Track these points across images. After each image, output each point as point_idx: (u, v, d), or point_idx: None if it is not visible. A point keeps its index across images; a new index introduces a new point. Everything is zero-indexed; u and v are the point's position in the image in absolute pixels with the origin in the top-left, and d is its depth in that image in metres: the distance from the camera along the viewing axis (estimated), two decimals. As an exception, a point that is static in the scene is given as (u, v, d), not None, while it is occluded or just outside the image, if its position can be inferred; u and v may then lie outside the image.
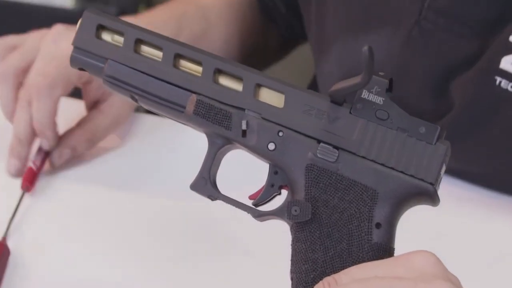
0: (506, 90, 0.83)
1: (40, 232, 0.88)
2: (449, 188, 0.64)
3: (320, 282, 0.59)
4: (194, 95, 0.67)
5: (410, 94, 0.90)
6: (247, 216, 0.67)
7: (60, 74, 0.91)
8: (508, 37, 0.82)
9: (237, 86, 0.67)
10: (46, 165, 0.94)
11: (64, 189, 0.93)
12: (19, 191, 0.90)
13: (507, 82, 0.83)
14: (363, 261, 0.62)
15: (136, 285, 0.83)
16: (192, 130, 0.69)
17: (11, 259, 0.84)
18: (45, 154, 0.94)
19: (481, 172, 0.93)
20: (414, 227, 0.65)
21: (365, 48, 0.60)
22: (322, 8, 0.98)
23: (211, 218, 0.89)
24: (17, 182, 0.91)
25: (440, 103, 0.90)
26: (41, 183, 0.93)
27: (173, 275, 0.84)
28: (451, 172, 0.90)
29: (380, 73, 0.63)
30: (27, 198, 0.91)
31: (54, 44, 0.92)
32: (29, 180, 0.91)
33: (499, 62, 0.83)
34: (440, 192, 0.63)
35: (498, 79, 0.84)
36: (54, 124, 0.93)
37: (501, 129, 0.88)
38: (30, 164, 0.93)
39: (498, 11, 0.84)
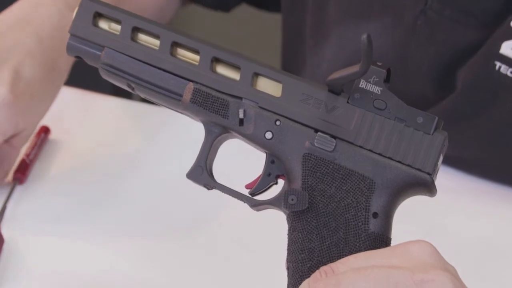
0: (506, 75, 0.84)
1: (34, 222, 0.87)
2: (445, 178, 0.63)
3: (317, 271, 0.59)
4: (191, 83, 0.66)
5: (415, 83, 0.90)
6: (243, 209, 0.67)
7: None
8: (510, 22, 0.82)
9: (234, 75, 0.66)
10: (39, 157, 0.94)
11: (57, 179, 0.93)
12: (11, 183, 0.90)
13: (507, 67, 0.83)
14: (360, 250, 0.62)
15: (129, 273, 0.83)
16: (188, 119, 0.69)
17: (5, 247, 0.83)
18: (38, 147, 0.94)
19: (477, 158, 0.93)
20: (410, 218, 0.65)
21: (364, 36, 0.59)
22: None
23: (206, 211, 0.89)
24: (10, 174, 0.91)
25: (445, 90, 0.90)
26: (34, 174, 0.92)
27: (167, 266, 0.84)
28: (447, 159, 0.90)
29: (378, 63, 0.63)
30: (21, 188, 0.90)
31: None
32: (21, 171, 0.91)
33: (499, 47, 0.83)
34: (436, 182, 0.63)
35: (498, 64, 0.84)
36: None
37: (500, 114, 0.88)
38: (23, 156, 0.92)
39: (503, 1, 0.83)
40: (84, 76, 1.49)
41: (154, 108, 1.03)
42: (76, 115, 1.01)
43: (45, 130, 0.96)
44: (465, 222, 0.89)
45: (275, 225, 0.70)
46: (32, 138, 0.94)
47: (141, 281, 0.82)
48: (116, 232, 0.87)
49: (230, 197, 0.66)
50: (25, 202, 0.89)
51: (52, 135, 0.97)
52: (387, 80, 0.64)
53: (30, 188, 0.91)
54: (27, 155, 0.93)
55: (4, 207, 0.87)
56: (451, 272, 0.58)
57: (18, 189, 0.90)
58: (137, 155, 0.96)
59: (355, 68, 0.61)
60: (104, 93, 1.06)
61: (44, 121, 0.97)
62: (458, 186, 0.93)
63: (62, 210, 0.89)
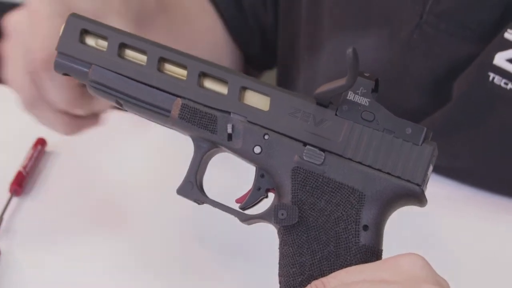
0: (499, 86, 0.83)
1: (30, 234, 0.88)
2: (438, 188, 0.64)
3: (308, 286, 0.59)
4: (179, 99, 0.67)
5: (410, 95, 0.90)
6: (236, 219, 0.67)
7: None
8: (504, 34, 0.82)
9: (222, 89, 0.66)
10: (37, 169, 0.94)
11: (54, 191, 0.93)
12: (8, 194, 0.91)
13: (500, 78, 0.83)
14: (351, 263, 0.62)
15: (127, 285, 0.83)
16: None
17: (2, 259, 0.84)
18: (35, 159, 0.94)
19: (471, 168, 0.93)
20: (402, 228, 0.65)
21: (349, 50, 0.60)
22: (317, 9, 0.97)
23: (202, 219, 0.89)
24: (6, 185, 0.91)
25: (440, 102, 0.90)
26: (31, 186, 0.93)
27: (166, 276, 0.84)
28: (440, 169, 0.90)
29: (366, 74, 0.63)
30: (18, 200, 0.91)
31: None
32: (18, 183, 0.91)
33: (493, 58, 0.83)
34: (428, 192, 0.63)
35: (492, 75, 0.83)
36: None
37: (494, 124, 0.87)
38: (20, 168, 0.93)
39: (499, 13, 0.83)
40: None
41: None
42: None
43: (42, 142, 0.97)
44: (456, 232, 0.89)
45: (272, 235, 0.70)
46: (28, 150, 0.95)
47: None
48: (113, 244, 0.87)
49: (228, 198, 0.66)
50: (21, 214, 0.90)
51: (49, 147, 0.97)
52: (375, 89, 0.64)
53: (27, 200, 0.91)
54: (24, 167, 0.93)
55: (1, 219, 0.88)
56: (443, 286, 0.58)
57: (15, 201, 0.91)
58: (135, 166, 0.97)
59: (341, 82, 0.62)
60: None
61: (41, 133, 0.98)
62: (450, 195, 0.93)
63: (59, 222, 0.89)
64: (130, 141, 1.00)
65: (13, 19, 0.80)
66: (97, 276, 0.84)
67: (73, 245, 0.87)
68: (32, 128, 0.99)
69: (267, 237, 0.71)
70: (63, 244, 0.87)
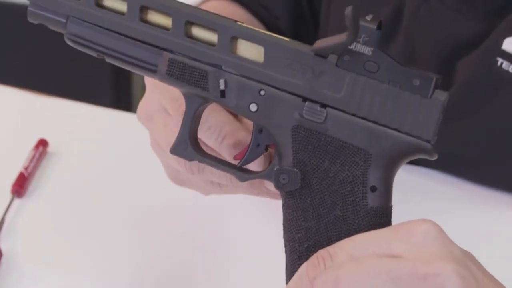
0: (507, 71, 0.81)
1: (33, 235, 0.87)
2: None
3: (314, 256, 0.56)
4: (166, 52, 0.62)
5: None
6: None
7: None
8: None
9: (212, 37, 0.61)
10: (38, 170, 0.94)
11: (55, 192, 0.92)
12: (9, 196, 0.90)
13: (509, 63, 0.81)
14: (359, 227, 0.58)
15: (130, 285, 0.83)
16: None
17: (4, 261, 0.83)
18: (37, 160, 0.94)
19: (476, 157, 0.90)
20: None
21: (348, 9, 0.55)
22: None
23: (207, 219, 0.88)
24: (8, 187, 0.91)
25: (444, 83, 0.89)
26: (33, 187, 0.92)
27: (169, 277, 0.83)
28: (444, 158, 0.89)
29: (367, 18, 0.58)
30: (20, 201, 0.90)
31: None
32: (20, 184, 0.91)
33: (501, 43, 0.80)
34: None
35: (500, 60, 0.81)
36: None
37: (500, 110, 0.85)
38: (22, 169, 0.92)
39: None
40: (83, 89, 1.50)
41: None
42: (75, 128, 1.00)
43: (43, 143, 0.96)
44: (461, 228, 0.89)
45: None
46: (30, 151, 0.95)
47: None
48: (116, 244, 0.87)
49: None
50: (23, 215, 0.89)
51: (50, 148, 0.97)
52: (378, 27, 0.58)
53: (28, 201, 0.91)
54: (26, 168, 0.92)
55: (3, 220, 0.87)
56: (458, 262, 0.54)
57: (17, 202, 0.90)
58: (137, 167, 0.96)
59: (342, 38, 0.57)
60: (103, 106, 1.05)
61: (42, 134, 0.97)
62: (454, 191, 0.92)
63: (61, 223, 0.89)
64: (133, 142, 0.99)
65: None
66: (99, 277, 0.83)
67: (75, 246, 0.86)
68: (34, 129, 0.99)
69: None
70: (65, 245, 0.86)
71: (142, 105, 0.76)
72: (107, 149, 0.98)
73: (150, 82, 0.73)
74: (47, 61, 1.53)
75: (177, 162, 0.71)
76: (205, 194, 0.77)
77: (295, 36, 1.01)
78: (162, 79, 0.62)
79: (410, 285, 0.52)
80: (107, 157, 0.97)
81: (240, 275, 0.83)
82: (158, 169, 0.80)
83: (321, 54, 0.59)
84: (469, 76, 0.84)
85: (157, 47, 0.62)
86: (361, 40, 0.58)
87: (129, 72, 1.13)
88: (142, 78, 0.72)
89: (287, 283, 0.60)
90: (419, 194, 0.83)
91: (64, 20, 0.63)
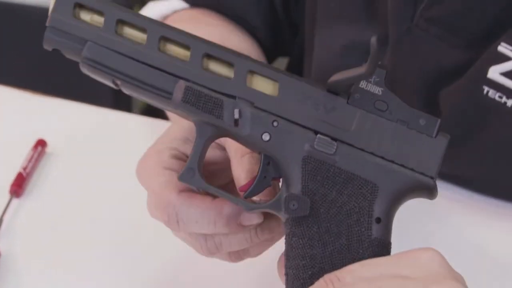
0: (494, 99, 0.82)
1: (31, 235, 0.87)
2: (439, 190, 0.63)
3: (321, 279, 0.57)
4: (182, 81, 0.63)
5: (401, 98, 0.89)
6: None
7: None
8: (497, 47, 0.81)
9: (228, 72, 0.63)
10: (37, 170, 0.94)
11: (54, 192, 0.92)
12: (8, 196, 0.90)
13: (495, 91, 0.82)
14: (363, 257, 0.59)
15: (127, 286, 0.83)
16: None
17: (2, 261, 0.83)
18: (35, 160, 0.94)
19: (470, 177, 0.92)
20: (406, 228, 0.64)
21: (373, 38, 0.57)
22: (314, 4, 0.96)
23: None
24: (6, 187, 0.91)
25: (429, 112, 0.89)
26: (31, 187, 0.92)
27: (166, 274, 0.84)
28: (440, 176, 0.89)
29: (379, 63, 0.61)
30: (18, 202, 0.90)
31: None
32: (18, 184, 0.91)
33: (486, 71, 0.81)
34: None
35: (486, 88, 0.82)
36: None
37: (490, 138, 0.86)
38: (20, 169, 0.92)
39: (491, 24, 0.82)
40: (82, 89, 1.49)
41: (153, 122, 1.03)
42: (73, 128, 1.00)
43: (42, 144, 0.96)
44: (458, 234, 0.89)
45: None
46: (29, 151, 0.95)
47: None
48: (114, 243, 0.87)
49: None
50: (21, 215, 0.89)
51: (49, 149, 0.97)
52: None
53: (27, 201, 0.91)
54: (24, 168, 0.93)
55: (1, 220, 0.87)
56: (462, 283, 0.56)
57: (15, 202, 0.90)
58: (135, 167, 0.96)
59: (360, 70, 0.59)
60: (102, 106, 1.05)
61: (41, 134, 0.97)
62: (452, 197, 0.93)
63: (59, 223, 0.89)
64: (131, 142, 0.99)
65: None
66: (98, 278, 0.83)
67: (73, 246, 0.86)
68: (32, 129, 0.99)
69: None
70: (63, 245, 0.86)
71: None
72: (106, 150, 0.98)
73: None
74: (46, 61, 1.53)
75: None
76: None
77: (273, 44, 1.01)
78: (176, 107, 0.63)
79: None
80: (106, 158, 0.97)
81: (240, 275, 0.83)
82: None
83: (333, 91, 0.62)
84: (456, 105, 0.86)
85: (174, 75, 0.63)
86: (372, 80, 0.61)
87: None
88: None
89: None
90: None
91: (80, 47, 0.63)
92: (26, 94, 1.05)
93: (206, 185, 0.64)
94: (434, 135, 0.61)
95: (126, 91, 0.65)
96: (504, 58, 0.81)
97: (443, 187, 0.91)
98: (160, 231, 0.87)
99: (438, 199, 0.64)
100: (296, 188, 0.61)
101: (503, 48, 0.80)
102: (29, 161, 0.94)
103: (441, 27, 0.84)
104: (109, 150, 0.98)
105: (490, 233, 0.89)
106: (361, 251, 0.60)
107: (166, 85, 0.63)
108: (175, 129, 0.72)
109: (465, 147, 0.87)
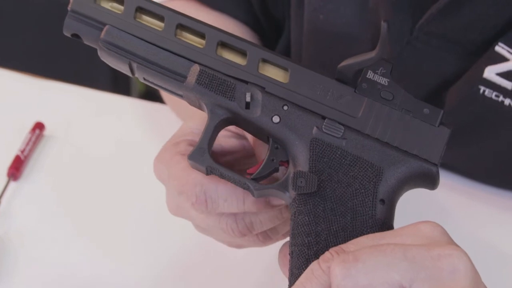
0: (491, 98, 0.83)
1: (28, 218, 0.87)
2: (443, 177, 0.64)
3: (326, 252, 0.57)
4: (196, 64, 0.65)
5: None
6: None
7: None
8: (494, 47, 0.81)
9: (241, 60, 0.66)
10: (34, 153, 0.94)
11: (52, 175, 0.92)
12: (5, 179, 0.90)
13: (491, 91, 0.83)
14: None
15: (124, 269, 0.83)
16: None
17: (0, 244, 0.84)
18: (33, 143, 0.94)
19: (471, 174, 0.93)
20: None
21: (384, 23, 0.60)
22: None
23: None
24: (4, 170, 0.91)
25: None
26: (29, 170, 0.92)
27: (164, 261, 0.84)
28: (442, 166, 0.89)
29: (385, 57, 0.64)
30: (16, 184, 0.90)
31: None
32: (16, 167, 0.91)
33: (482, 71, 0.82)
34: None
35: (482, 88, 0.83)
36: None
37: (489, 136, 0.87)
38: (18, 152, 0.92)
39: (492, 32, 0.82)
40: (81, 72, 1.49)
41: (152, 105, 1.02)
42: (72, 111, 1.00)
43: (40, 126, 0.96)
44: (463, 225, 0.89)
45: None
46: (27, 134, 0.94)
47: (136, 278, 0.82)
48: (112, 228, 0.87)
49: None
50: (19, 198, 0.89)
51: (47, 131, 0.97)
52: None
53: (25, 184, 0.91)
54: (22, 151, 0.93)
55: (-2, 203, 0.88)
56: (462, 250, 0.57)
57: (12, 185, 0.90)
58: (133, 151, 0.96)
59: (370, 54, 0.62)
60: (101, 89, 1.05)
61: (39, 117, 0.97)
62: (455, 187, 0.93)
63: (57, 206, 0.89)
64: (130, 126, 0.99)
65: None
66: (94, 260, 0.84)
67: (71, 229, 0.87)
68: (30, 112, 0.99)
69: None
70: (61, 228, 0.87)
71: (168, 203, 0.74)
72: (104, 133, 0.98)
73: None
74: (46, 44, 1.53)
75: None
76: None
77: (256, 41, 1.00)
78: (190, 90, 0.65)
79: (424, 264, 0.54)
80: (104, 141, 0.97)
81: (241, 273, 0.83)
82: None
83: (342, 79, 0.64)
84: (454, 105, 0.86)
85: (189, 59, 0.65)
86: (379, 71, 0.64)
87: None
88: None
89: (289, 287, 0.61)
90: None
91: (98, 32, 0.66)
92: (25, 77, 1.05)
93: (215, 164, 0.65)
94: (437, 125, 0.63)
95: (140, 74, 0.67)
96: (500, 59, 0.81)
97: (444, 176, 0.91)
98: (159, 213, 0.87)
99: (438, 189, 0.65)
100: (304, 168, 0.63)
101: (500, 48, 0.81)
102: (27, 144, 0.94)
103: (441, 38, 0.84)
104: (107, 134, 0.98)
105: (491, 224, 0.90)
106: (365, 230, 0.61)
107: (181, 69, 0.65)
108: (189, 125, 0.73)
109: (465, 144, 0.88)
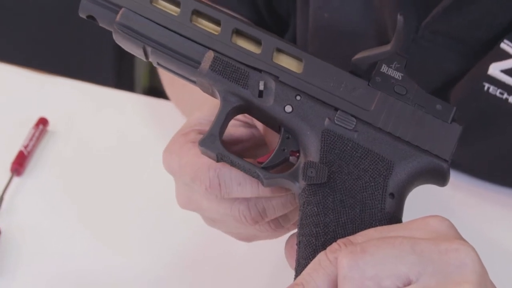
0: (495, 96, 0.83)
1: (31, 214, 0.87)
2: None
3: (334, 243, 0.57)
4: (211, 51, 0.65)
5: None
6: None
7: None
8: (500, 44, 0.81)
9: (255, 49, 0.66)
10: (38, 149, 0.94)
11: (55, 171, 0.92)
12: (9, 174, 0.90)
13: (496, 88, 0.83)
14: None
15: (128, 266, 0.83)
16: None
17: (2, 239, 0.84)
18: (36, 138, 0.94)
19: (474, 172, 0.93)
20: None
21: (400, 17, 0.60)
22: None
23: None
24: (7, 165, 0.91)
25: None
26: (32, 165, 0.92)
27: (163, 252, 0.84)
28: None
29: (398, 52, 0.64)
30: (19, 180, 0.90)
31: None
32: (19, 163, 0.91)
33: (487, 68, 0.82)
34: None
35: (487, 85, 0.83)
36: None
37: (493, 134, 0.87)
38: (21, 148, 0.92)
39: (497, 29, 0.82)
40: (84, 67, 1.49)
41: (156, 101, 1.02)
42: (75, 106, 1.00)
43: (43, 122, 0.96)
44: (467, 223, 0.89)
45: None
46: (30, 130, 0.94)
47: (139, 272, 0.82)
48: (115, 223, 0.87)
49: None
50: (22, 194, 0.89)
51: (51, 127, 0.97)
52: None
53: (28, 180, 0.91)
54: (25, 146, 0.92)
55: (1, 199, 0.87)
56: (470, 246, 0.57)
57: (16, 180, 0.90)
58: (137, 147, 0.96)
59: (386, 47, 0.62)
60: (104, 85, 1.05)
61: (43, 113, 0.97)
62: (458, 184, 0.93)
63: (60, 202, 0.89)
64: (133, 122, 0.99)
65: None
66: (98, 254, 0.84)
67: (74, 224, 0.87)
68: (34, 108, 0.99)
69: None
70: (64, 223, 0.87)
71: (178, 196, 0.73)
72: (108, 129, 0.98)
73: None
74: (49, 39, 1.53)
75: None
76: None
77: None
78: (203, 76, 0.65)
79: (431, 258, 0.54)
80: (107, 137, 0.97)
81: (242, 271, 0.83)
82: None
83: (356, 71, 0.64)
84: (459, 102, 0.86)
85: (204, 46, 0.65)
86: (393, 66, 0.64)
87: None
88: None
89: (296, 277, 0.61)
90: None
91: (114, 14, 0.66)
92: (28, 73, 1.05)
93: (226, 152, 0.65)
94: (449, 121, 0.63)
95: (154, 58, 0.66)
96: (505, 56, 0.81)
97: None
98: (162, 208, 0.88)
99: (447, 188, 0.65)
100: (315, 159, 0.63)
101: (505, 45, 0.81)
102: (31, 139, 0.94)
103: (447, 37, 0.84)
104: (111, 129, 0.98)
105: (495, 222, 0.90)
106: (373, 223, 0.61)
107: (195, 54, 0.65)
108: (197, 115, 0.73)
109: (469, 142, 0.88)
